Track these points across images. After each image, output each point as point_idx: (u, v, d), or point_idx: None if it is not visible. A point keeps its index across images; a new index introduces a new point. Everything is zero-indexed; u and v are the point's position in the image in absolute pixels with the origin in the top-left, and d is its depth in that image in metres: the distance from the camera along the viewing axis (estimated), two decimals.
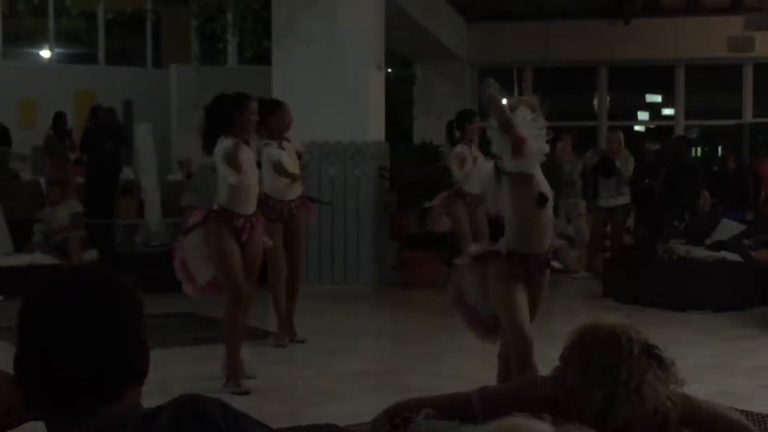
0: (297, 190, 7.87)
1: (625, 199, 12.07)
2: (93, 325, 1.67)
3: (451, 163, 10.10)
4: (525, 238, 5.06)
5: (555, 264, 5.81)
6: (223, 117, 6.29)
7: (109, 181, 13.00)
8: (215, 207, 6.40)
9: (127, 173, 14.91)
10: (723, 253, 10.32)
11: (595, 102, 19.49)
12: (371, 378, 6.99)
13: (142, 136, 12.96)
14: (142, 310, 1.77)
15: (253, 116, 6.40)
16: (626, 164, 12.04)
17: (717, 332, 8.71)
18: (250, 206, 6.45)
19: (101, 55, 19.60)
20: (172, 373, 6.81)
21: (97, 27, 18.91)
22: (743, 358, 7.64)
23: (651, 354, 2.72)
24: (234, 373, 6.38)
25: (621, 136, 12.61)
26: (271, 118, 7.55)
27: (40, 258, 10.70)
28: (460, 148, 9.98)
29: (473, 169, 9.79)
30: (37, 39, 18.79)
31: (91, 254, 11.10)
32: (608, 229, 12.37)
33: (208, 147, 6.37)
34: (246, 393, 6.23)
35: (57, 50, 19.83)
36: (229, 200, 6.34)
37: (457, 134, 10.09)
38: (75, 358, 1.65)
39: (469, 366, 7.57)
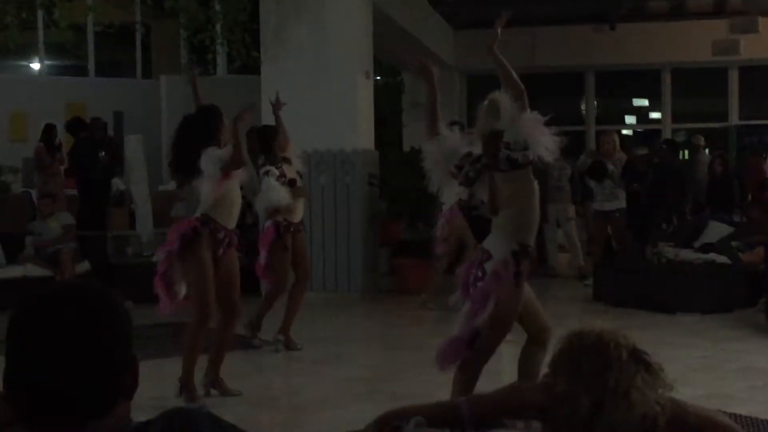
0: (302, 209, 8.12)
1: (619, 203, 11.92)
2: (80, 340, 1.65)
3: None
4: (532, 231, 5.08)
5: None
6: (209, 128, 6.32)
7: (100, 192, 13.00)
8: (197, 215, 6.39)
9: (118, 184, 14.91)
10: (711, 256, 10.39)
11: (583, 107, 19.57)
12: (363, 385, 7.02)
13: (133, 147, 12.99)
14: (130, 324, 1.75)
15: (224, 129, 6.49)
16: (620, 167, 11.98)
17: (706, 334, 8.77)
18: (232, 221, 6.47)
19: (91, 66, 19.58)
20: (165, 384, 6.83)
21: (86, 39, 18.90)
22: (732, 360, 7.69)
23: (639, 359, 2.75)
24: (189, 385, 6.41)
25: (615, 137, 12.61)
26: (275, 143, 7.84)
27: (32, 270, 10.71)
28: None
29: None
30: (27, 52, 18.77)
31: (83, 266, 11.11)
32: (609, 231, 12.30)
33: (188, 161, 6.32)
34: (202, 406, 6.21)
35: (47, 62, 19.80)
36: (213, 209, 6.34)
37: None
38: (62, 373, 1.64)
39: None
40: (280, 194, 7.52)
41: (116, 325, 1.72)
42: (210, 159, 6.23)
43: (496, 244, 4.99)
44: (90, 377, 1.66)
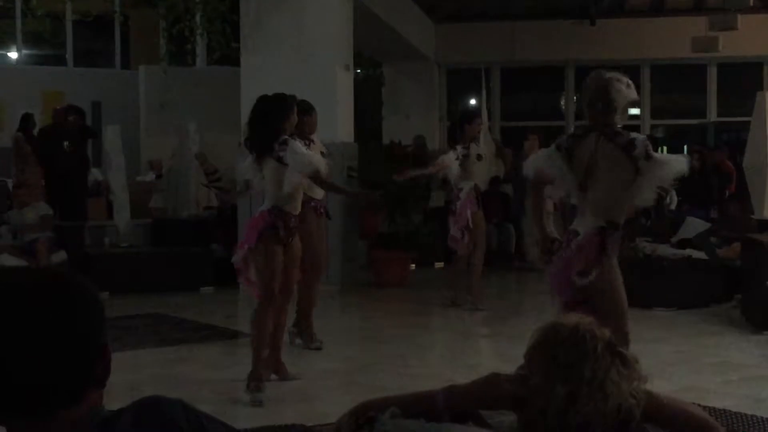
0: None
1: None
2: (49, 328, 1.63)
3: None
4: (622, 210, 5.11)
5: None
6: (276, 117, 6.32)
7: (68, 182, 12.89)
8: (268, 208, 6.35)
9: (95, 174, 14.84)
10: (688, 251, 10.44)
11: (562, 102, 19.62)
12: (340, 377, 7.03)
13: (110, 137, 12.92)
14: (102, 311, 1.73)
15: (294, 117, 6.48)
16: None
17: (682, 329, 8.82)
18: (298, 206, 6.49)
19: (69, 56, 19.48)
20: (141, 375, 6.81)
21: (64, 28, 18.79)
22: (708, 354, 7.73)
23: (614, 351, 2.76)
24: (257, 374, 6.31)
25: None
26: (309, 119, 7.69)
27: (7, 260, 10.63)
28: (442, 158, 10.03)
29: (476, 165, 9.83)
30: (4, 40, 18.66)
31: (60, 256, 11.05)
32: None
33: (261, 145, 6.32)
34: (259, 404, 6.16)
35: (24, 52, 19.69)
36: (284, 200, 6.33)
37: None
38: (31, 362, 1.61)
39: (438, 364, 7.64)
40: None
41: (87, 311, 1.70)
42: (297, 159, 6.21)
43: (583, 222, 5.04)
44: (60, 365, 1.64)
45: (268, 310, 6.34)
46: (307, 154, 6.36)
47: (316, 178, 6.43)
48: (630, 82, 5.21)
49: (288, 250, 6.43)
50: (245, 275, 6.39)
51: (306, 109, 7.66)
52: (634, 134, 5.12)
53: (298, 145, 6.34)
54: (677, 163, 5.06)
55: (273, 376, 6.67)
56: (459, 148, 9.80)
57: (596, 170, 5.04)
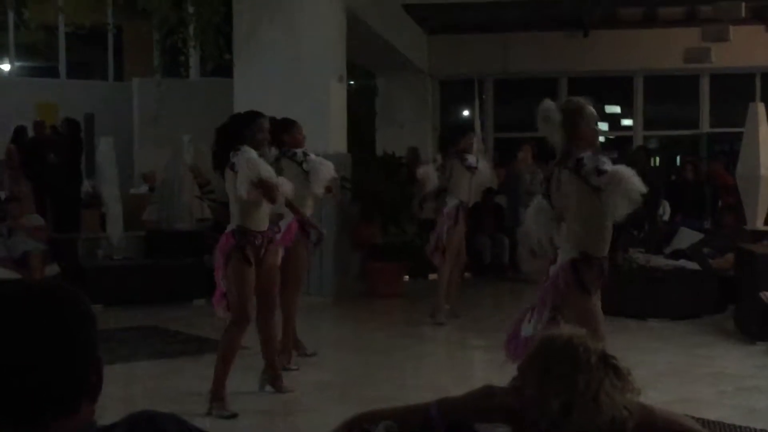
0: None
1: None
2: (42, 340, 1.63)
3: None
4: (600, 242, 5.10)
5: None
6: (235, 134, 6.27)
7: (56, 194, 12.87)
8: (232, 229, 6.26)
9: (86, 186, 14.81)
10: (682, 262, 10.45)
11: None
12: (335, 389, 7.02)
13: (103, 149, 12.90)
14: (94, 324, 1.73)
15: (262, 134, 6.39)
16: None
17: (676, 340, 8.83)
18: (264, 223, 6.38)
19: (62, 68, 19.48)
20: (134, 388, 6.80)
21: (57, 40, 18.80)
22: (701, 365, 7.74)
23: (607, 363, 2.76)
24: (220, 394, 6.19)
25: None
26: (286, 136, 7.61)
27: (1, 273, 10.60)
28: (422, 172, 10.07)
29: (464, 177, 9.85)
30: None
31: (53, 268, 11.03)
32: None
33: (219, 163, 6.31)
34: (234, 416, 6.10)
35: (18, 64, 19.68)
36: (244, 219, 6.23)
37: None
38: (24, 374, 1.61)
39: (432, 376, 7.63)
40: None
41: (80, 324, 1.70)
42: (244, 165, 6.13)
43: (562, 249, 5.02)
44: (53, 378, 1.64)
45: (238, 331, 6.25)
46: (255, 161, 6.18)
47: (266, 189, 6.19)
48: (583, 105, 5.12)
49: (260, 269, 6.33)
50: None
51: (285, 127, 7.62)
52: (583, 154, 5.01)
53: (250, 152, 6.20)
54: (626, 169, 4.98)
55: (268, 388, 6.61)
56: (439, 158, 9.87)
57: (566, 200, 5.02)
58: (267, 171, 6.24)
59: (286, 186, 6.57)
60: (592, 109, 5.14)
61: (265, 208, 6.36)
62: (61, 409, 1.66)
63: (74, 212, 13.07)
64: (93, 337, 1.72)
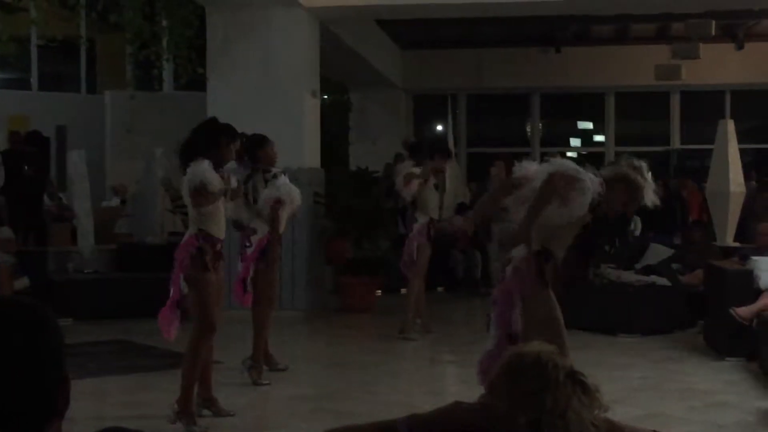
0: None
1: None
2: (7, 357, 1.60)
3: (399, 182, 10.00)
4: (559, 242, 5.23)
5: None
6: (208, 140, 6.25)
7: (30, 206, 12.78)
8: (194, 232, 6.20)
9: (63, 199, 14.72)
10: (652, 278, 10.52)
11: (528, 128, 19.76)
12: (307, 403, 7.00)
13: (75, 162, 12.84)
14: (61, 340, 1.69)
15: (230, 154, 6.39)
16: None
17: (646, 355, 8.87)
18: (223, 232, 6.33)
19: (34, 80, 19.38)
20: (104, 403, 6.75)
21: (29, 52, 18.69)
22: (671, 380, 7.79)
23: (575, 380, 2.78)
24: (189, 409, 6.12)
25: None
26: (261, 152, 7.58)
27: None
28: (406, 165, 10.03)
29: (432, 194, 9.83)
30: None
31: (23, 282, 10.95)
32: None
33: (181, 164, 6.27)
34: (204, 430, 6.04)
35: None
36: (206, 223, 6.19)
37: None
38: None
39: (405, 390, 7.63)
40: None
41: (46, 340, 1.66)
42: (190, 170, 6.11)
43: (519, 248, 5.07)
44: (19, 396, 1.61)
45: (204, 341, 6.20)
46: (202, 169, 6.12)
47: (204, 194, 6.11)
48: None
49: (217, 276, 6.27)
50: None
51: (259, 142, 7.61)
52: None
53: (203, 162, 6.13)
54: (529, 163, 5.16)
55: (205, 412, 6.45)
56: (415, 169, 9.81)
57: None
58: (212, 179, 6.15)
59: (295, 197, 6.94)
60: None
61: (223, 217, 6.35)
62: (27, 428, 1.63)
63: (44, 225, 12.99)
64: (60, 353, 1.69)
